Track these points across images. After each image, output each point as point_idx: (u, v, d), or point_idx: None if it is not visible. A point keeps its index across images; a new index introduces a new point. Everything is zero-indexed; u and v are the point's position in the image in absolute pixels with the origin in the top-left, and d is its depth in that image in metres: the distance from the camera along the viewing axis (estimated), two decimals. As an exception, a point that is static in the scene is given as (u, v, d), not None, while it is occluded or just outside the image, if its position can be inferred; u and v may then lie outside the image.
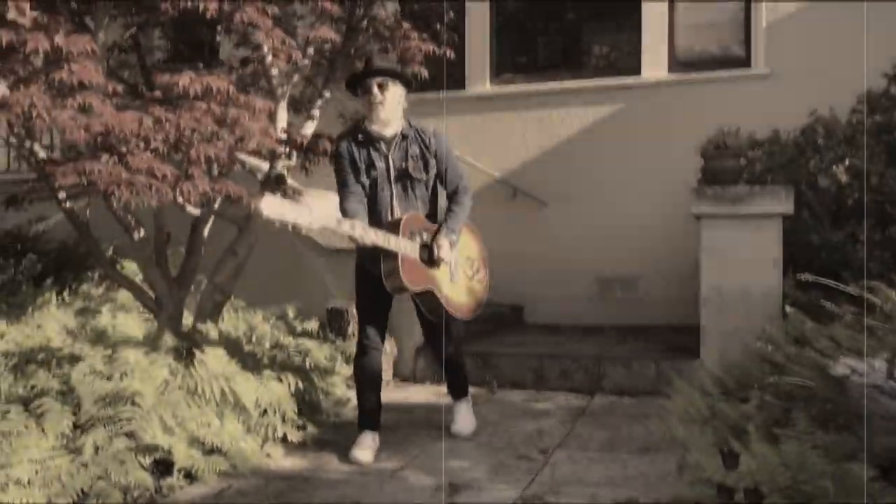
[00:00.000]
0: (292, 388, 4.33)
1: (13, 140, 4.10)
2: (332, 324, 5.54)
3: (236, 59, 5.19)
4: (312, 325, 5.53)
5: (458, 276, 4.06)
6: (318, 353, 5.14)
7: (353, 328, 5.47)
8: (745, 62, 6.88)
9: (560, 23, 7.68)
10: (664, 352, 5.46)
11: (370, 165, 3.84)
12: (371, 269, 3.87)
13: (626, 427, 4.51)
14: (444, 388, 4.59)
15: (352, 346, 5.36)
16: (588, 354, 5.45)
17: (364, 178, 3.84)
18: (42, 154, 4.29)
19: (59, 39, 3.21)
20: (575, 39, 7.66)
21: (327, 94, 4.92)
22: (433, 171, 3.98)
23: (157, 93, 4.02)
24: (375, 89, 3.79)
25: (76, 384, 3.74)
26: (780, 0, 6.69)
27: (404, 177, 3.89)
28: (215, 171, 4.21)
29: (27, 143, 4.21)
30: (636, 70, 7.16)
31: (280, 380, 4.29)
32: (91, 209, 4.68)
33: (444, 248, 3.88)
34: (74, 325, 4.41)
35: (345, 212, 3.74)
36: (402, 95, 3.93)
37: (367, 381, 4.14)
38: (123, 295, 5.64)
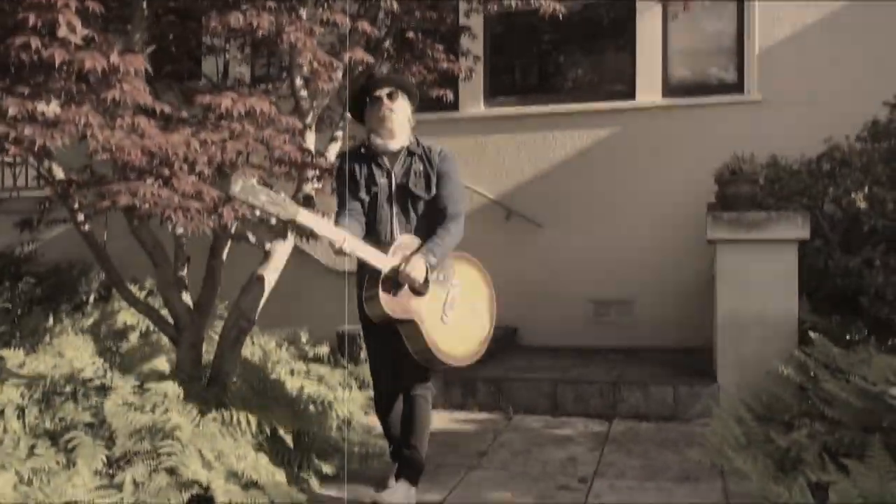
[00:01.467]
0: (324, 418, 4.20)
1: (32, 160, 3.90)
2: (343, 348, 5.42)
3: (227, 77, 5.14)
4: (323, 349, 5.42)
5: (452, 318, 3.58)
6: (332, 378, 5.03)
7: (365, 353, 5.35)
8: (739, 88, 7.00)
9: (555, 46, 7.72)
10: (679, 376, 5.47)
11: (371, 181, 3.63)
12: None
13: (655, 454, 4.50)
14: (461, 414, 4.48)
15: (365, 371, 5.29)
16: (604, 379, 5.43)
17: (363, 195, 3.63)
18: (61, 174, 4.10)
19: (114, 58, 3.07)
20: (569, 62, 7.70)
21: (349, 116, 4.82)
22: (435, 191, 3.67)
23: (184, 113, 3.90)
24: (385, 99, 3.61)
25: (110, 417, 3.57)
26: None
27: (405, 194, 3.62)
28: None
29: (46, 163, 4.03)
30: (630, 94, 7.21)
31: (313, 409, 4.16)
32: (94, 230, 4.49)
33: (413, 265, 3.39)
34: (94, 350, 4.21)
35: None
36: (410, 110, 3.73)
37: (393, 430, 3.86)
38: (121, 319, 5.45)
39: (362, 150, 3.69)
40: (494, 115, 7.48)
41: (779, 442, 3.71)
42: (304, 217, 3.24)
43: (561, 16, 4.35)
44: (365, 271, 3.54)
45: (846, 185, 4.90)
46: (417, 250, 3.49)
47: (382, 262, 3.39)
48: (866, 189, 4.66)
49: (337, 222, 3.48)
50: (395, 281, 3.40)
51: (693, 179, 6.85)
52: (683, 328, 6.90)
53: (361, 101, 3.70)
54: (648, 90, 7.16)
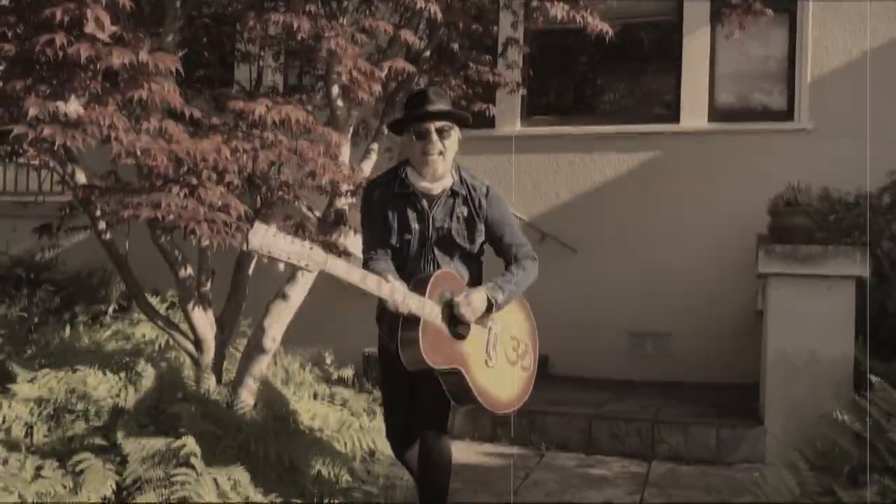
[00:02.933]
0: (346, 449, 3.96)
1: (54, 164, 3.71)
2: (369, 371, 5.18)
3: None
4: (348, 372, 5.18)
5: (498, 359, 3.10)
6: (356, 404, 4.79)
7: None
8: (789, 115, 6.72)
9: (596, 65, 7.50)
10: (720, 416, 5.17)
11: (404, 226, 3.04)
12: (391, 347, 3.06)
13: (698, 501, 4.20)
14: (490, 447, 4.17)
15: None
16: (642, 417, 5.14)
17: (394, 241, 3.04)
18: (83, 179, 3.91)
19: (143, 55, 2.86)
20: (611, 83, 7.48)
21: (385, 130, 4.61)
22: (480, 240, 3.15)
23: (214, 119, 3.70)
24: (435, 137, 2.98)
25: (122, 439, 3.34)
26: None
27: (445, 243, 3.07)
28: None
29: (68, 167, 3.83)
30: (675, 118, 6.95)
31: (336, 438, 3.91)
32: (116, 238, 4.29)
33: (474, 302, 2.93)
34: (109, 366, 3.99)
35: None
36: (458, 140, 3.10)
37: (411, 464, 3.33)
38: (139, 332, 5.25)
39: (396, 186, 3.07)
40: (531, 135, 7.25)
41: (843, 497, 3.41)
42: (335, 267, 2.74)
43: (608, 37, 4.10)
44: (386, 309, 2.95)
45: (910, 220, 4.61)
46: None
47: (424, 306, 2.84)
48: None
49: (370, 268, 2.95)
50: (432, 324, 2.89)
51: (737, 209, 6.59)
52: (723, 364, 6.59)
53: (405, 121, 3.10)
54: (693, 114, 6.90)
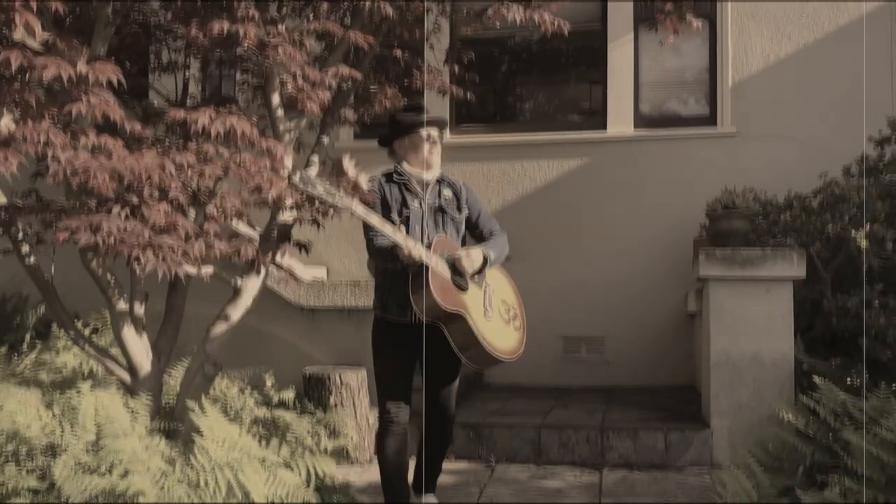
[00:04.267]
0: (303, 476, 3.76)
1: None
2: (311, 392, 4.98)
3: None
4: (288, 394, 4.96)
5: (493, 314, 3.72)
6: (300, 427, 4.58)
7: (334, 398, 4.94)
8: (711, 120, 6.84)
9: (523, 74, 7.49)
10: (666, 420, 5.18)
11: (403, 204, 3.69)
12: (396, 319, 3.64)
13: (657, 508, 4.19)
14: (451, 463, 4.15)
15: (335, 418, 4.87)
16: (590, 424, 5.11)
17: (395, 216, 3.66)
18: (2, 199, 3.61)
19: (81, 66, 2.63)
20: (539, 92, 7.47)
21: (326, 139, 4.44)
22: (464, 215, 3.83)
23: (147, 132, 3.47)
24: (435, 137, 3.75)
25: (60, 481, 3.07)
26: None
27: (438, 213, 3.74)
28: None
29: (-14, 187, 3.54)
30: (602, 125, 7.00)
31: (289, 467, 3.72)
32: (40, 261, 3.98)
33: (472, 255, 3.58)
34: (39, 401, 3.68)
35: (379, 245, 3.54)
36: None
37: (393, 466, 3.69)
38: (60, 361, 4.91)
39: (394, 176, 3.74)
40: (461, 144, 7.15)
41: (804, 498, 3.43)
42: (359, 208, 3.35)
43: (566, 32, 4.06)
44: (388, 285, 3.64)
45: (843, 221, 4.72)
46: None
47: (430, 259, 3.43)
48: (867, 226, 4.47)
49: (379, 245, 3.56)
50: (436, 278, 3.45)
51: (666, 213, 6.68)
52: (657, 366, 6.66)
53: (395, 131, 3.77)
54: (619, 121, 6.96)
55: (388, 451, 3.66)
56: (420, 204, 3.69)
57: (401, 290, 3.52)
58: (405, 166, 3.74)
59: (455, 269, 3.54)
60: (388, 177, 3.76)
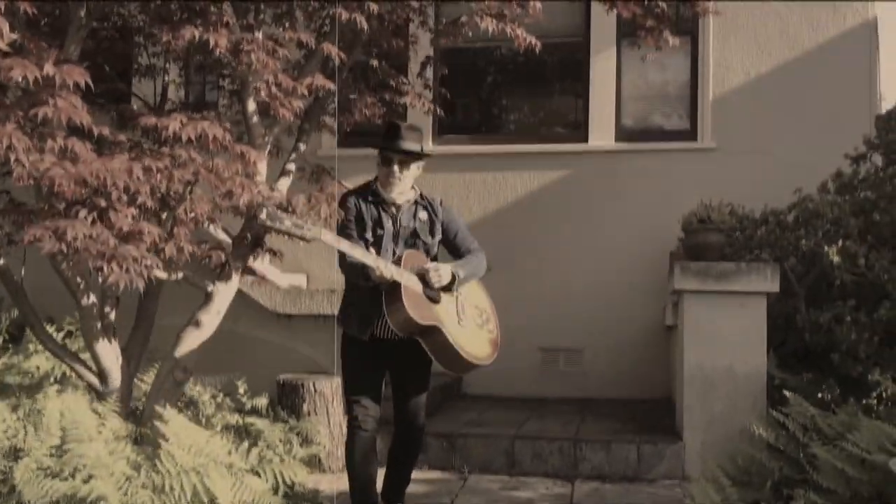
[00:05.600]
0: (267, 483, 3.75)
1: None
2: (284, 399, 4.96)
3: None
4: (261, 401, 4.94)
5: (467, 321, 3.74)
6: (272, 435, 4.57)
7: (308, 405, 4.93)
8: (692, 135, 6.89)
9: (506, 85, 7.52)
10: (640, 432, 5.19)
11: (377, 223, 3.68)
12: (356, 335, 3.65)
13: (626, 520, 4.19)
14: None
15: (308, 425, 4.85)
16: (563, 436, 5.11)
17: (368, 235, 3.66)
18: (-28, 201, 3.60)
19: (48, 68, 2.63)
20: (521, 103, 7.52)
21: (302, 147, 4.45)
22: (438, 238, 3.83)
23: (121, 136, 3.47)
24: (396, 167, 3.66)
25: (20, 485, 3.05)
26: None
27: (412, 237, 3.73)
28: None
29: (-45, 188, 3.52)
30: (583, 137, 7.03)
31: (257, 473, 3.71)
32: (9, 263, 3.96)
33: (441, 270, 3.57)
34: (3, 406, 3.65)
35: (351, 265, 3.50)
36: (419, 170, 3.81)
37: (361, 473, 3.67)
38: (33, 364, 4.88)
39: (370, 195, 3.72)
40: (442, 153, 7.13)
41: (770, 513, 3.45)
42: (328, 237, 3.36)
43: (537, 49, 4.08)
44: (355, 301, 3.66)
45: (817, 237, 4.75)
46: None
47: (401, 275, 3.46)
48: (840, 242, 4.50)
49: (349, 258, 3.52)
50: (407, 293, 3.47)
51: (645, 226, 6.71)
52: (635, 379, 6.68)
53: (380, 148, 3.75)
54: (600, 133, 7.00)
55: (355, 458, 3.64)
56: (393, 224, 3.69)
57: (364, 307, 3.58)
58: (379, 186, 3.73)
59: (425, 281, 3.56)
60: (364, 194, 3.74)
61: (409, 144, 3.67)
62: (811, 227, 4.83)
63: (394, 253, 3.65)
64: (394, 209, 3.71)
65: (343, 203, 3.72)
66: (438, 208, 3.82)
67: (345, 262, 3.53)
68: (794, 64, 6.65)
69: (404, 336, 3.54)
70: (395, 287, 3.43)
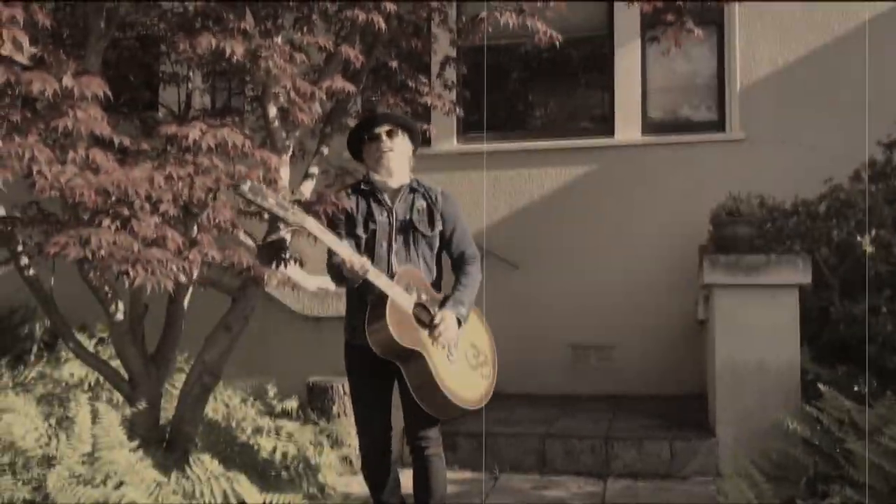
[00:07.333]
0: (296, 486, 3.77)
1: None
2: (314, 402, 4.98)
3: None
4: (292, 403, 4.97)
5: (458, 358, 3.33)
6: (302, 437, 4.59)
7: (337, 407, 4.95)
8: (720, 126, 6.80)
9: (530, 81, 7.48)
10: (672, 429, 5.13)
11: (369, 217, 3.41)
12: (361, 344, 3.26)
13: (659, 518, 4.15)
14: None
15: (339, 427, 4.86)
16: (595, 434, 5.07)
17: (360, 231, 3.41)
18: (1, 211, 3.66)
19: (67, 80, 2.66)
20: (546, 99, 7.47)
21: (325, 151, 4.45)
22: (438, 230, 3.47)
23: (144, 145, 3.50)
24: (384, 136, 3.42)
25: (54, 492, 3.09)
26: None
27: (407, 230, 3.41)
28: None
29: (-16, 200, 3.58)
30: (609, 131, 6.97)
31: (284, 476, 3.72)
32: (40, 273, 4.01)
33: (447, 322, 3.24)
34: (36, 412, 3.72)
35: (335, 263, 3.25)
36: (411, 150, 3.56)
37: (385, 497, 3.50)
38: (67, 371, 4.95)
39: (362, 185, 3.49)
40: (468, 151, 7.17)
41: (805, 510, 3.39)
42: (313, 226, 3.13)
43: (559, 44, 4.04)
44: (355, 308, 3.37)
45: (849, 227, 4.65)
46: (442, 301, 3.35)
47: (391, 289, 3.17)
48: (873, 232, 4.41)
49: (335, 261, 3.28)
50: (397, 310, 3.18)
51: (674, 219, 6.63)
52: (667, 375, 6.61)
53: (358, 139, 3.52)
54: (627, 127, 6.93)
55: (374, 482, 3.49)
56: (387, 216, 3.41)
57: (356, 314, 3.32)
58: (371, 175, 3.47)
59: (420, 305, 3.26)
60: (356, 187, 3.52)
61: (391, 114, 3.57)
62: (843, 217, 4.74)
63: (390, 247, 3.37)
64: (388, 199, 3.42)
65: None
66: (438, 197, 3.49)
67: (331, 262, 3.31)
68: (824, 51, 6.52)
69: (383, 357, 3.20)
70: (380, 300, 3.15)
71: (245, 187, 2.99)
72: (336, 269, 3.25)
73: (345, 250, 3.14)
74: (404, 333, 3.15)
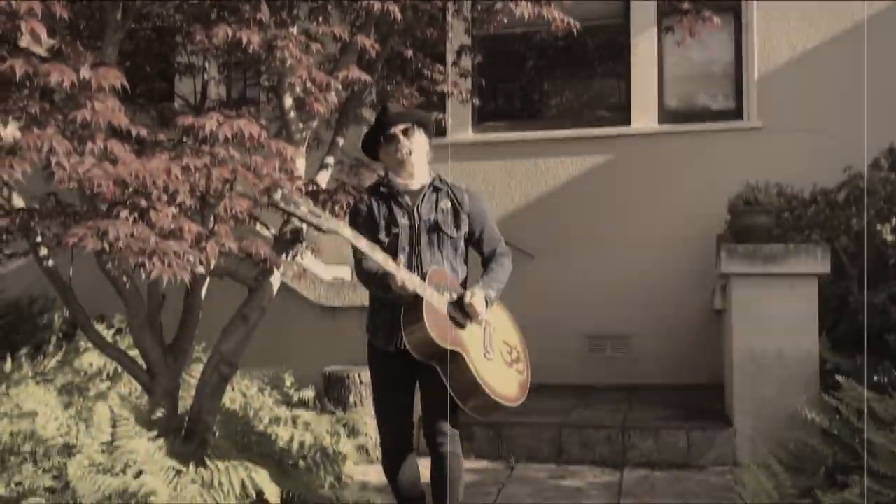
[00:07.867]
0: (314, 475, 3.79)
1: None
2: (331, 391, 5.00)
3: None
4: (308, 393, 4.99)
5: (495, 355, 3.30)
6: (319, 426, 4.61)
7: (354, 397, 4.96)
8: (738, 114, 6.75)
9: (545, 70, 7.44)
10: (689, 419, 5.12)
11: (391, 222, 3.30)
12: (382, 346, 3.30)
13: (676, 508, 4.14)
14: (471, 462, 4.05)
15: (355, 416, 4.88)
16: (611, 423, 5.07)
17: (383, 236, 3.29)
18: (21, 203, 3.68)
19: (85, 72, 2.67)
20: (561, 87, 7.44)
21: (341, 141, 4.45)
22: (465, 230, 3.39)
23: (161, 136, 3.51)
24: (401, 135, 3.31)
25: (74, 480, 3.12)
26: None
27: (433, 231, 3.31)
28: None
29: (4, 191, 3.60)
30: (626, 120, 6.94)
31: (301, 465, 3.74)
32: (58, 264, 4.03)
33: (476, 298, 3.20)
34: (56, 401, 3.75)
35: (367, 270, 3.20)
36: (428, 143, 3.44)
37: (406, 491, 3.46)
38: (86, 360, 4.99)
39: (381, 188, 3.38)
40: (483, 141, 7.16)
41: (824, 499, 3.37)
42: (348, 233, 3.09)
43: (575, 31, 4.01)
44: (376, 308, 3.35)
45: (869, 215, 4.61)
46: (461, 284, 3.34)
47: (425, 291, 3.11)
48: (893, 221, 4.37)
49: (366, 267, 3.24)
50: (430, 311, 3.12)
51: (691, 208, 6.60)
52: (684, 364, 6.59)
53: (374, 137, 3.41)
54: (644, 116, 6.90)
55: (395, 481, 3.44)
56: (409, 218, 3.30)
57: (387, 317, 3.25)
58: (391, 176, 3.37)
59: (456, 305, 3.21)
60: (376, 189, 3.40)
61: (406, 111, 3.51)
62: (863, 206, 4.69)
63: (413, 252, 3.29)
64: (409, 200, 3.31)
65: (355, 204, 3.42)
66: (464, 196, 3.39)
67: (361, 268, 3.25)
68: (844, 37, 6.45)
69: (420, 359, 3.14)
70: (416, 302, 3.09)
71: (277, 196, 2.97)
72: (372, 277, 3.19)
73: (391, 264, 3.07)
74: (442, 334, 3.09)
